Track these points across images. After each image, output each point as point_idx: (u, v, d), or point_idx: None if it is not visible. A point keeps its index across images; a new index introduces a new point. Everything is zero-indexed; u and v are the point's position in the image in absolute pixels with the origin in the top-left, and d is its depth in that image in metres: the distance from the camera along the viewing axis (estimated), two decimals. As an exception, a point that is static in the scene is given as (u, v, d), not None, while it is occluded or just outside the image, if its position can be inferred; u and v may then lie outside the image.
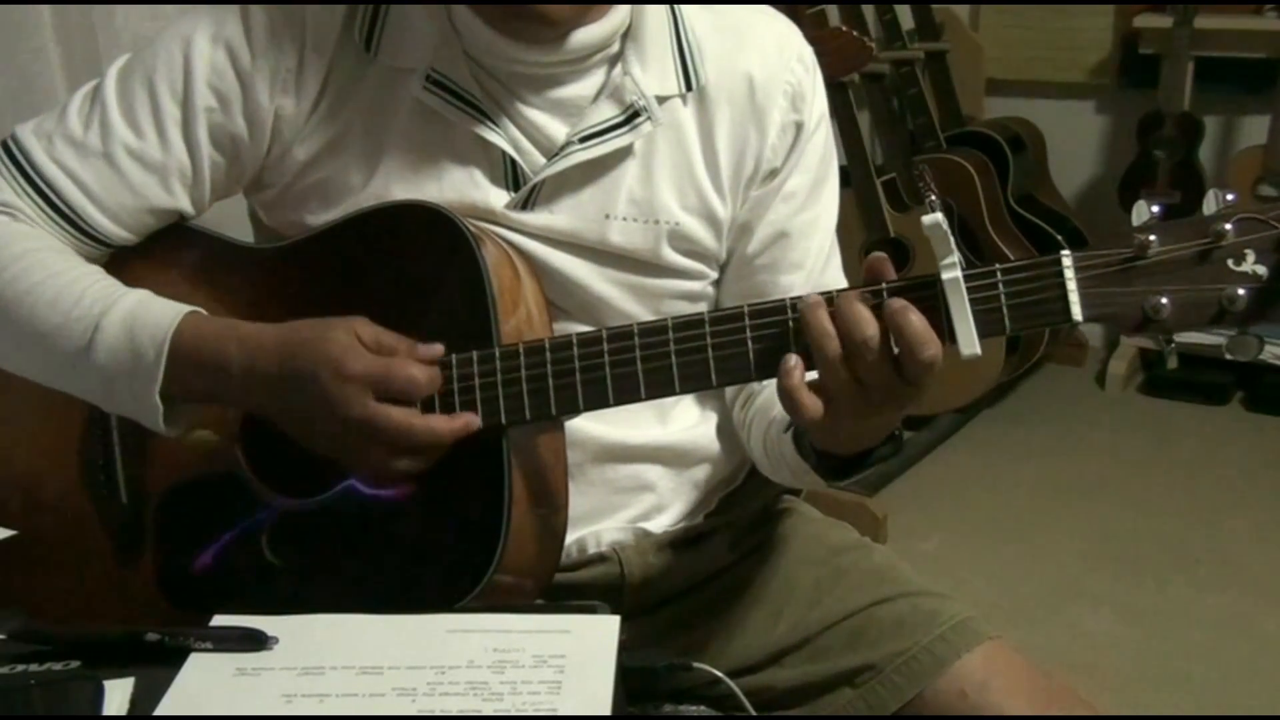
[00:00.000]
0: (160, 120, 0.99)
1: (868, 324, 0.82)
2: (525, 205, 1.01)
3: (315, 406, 0.89)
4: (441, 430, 0.90)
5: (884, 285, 0.84)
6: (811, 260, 1.09)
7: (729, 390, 1.13)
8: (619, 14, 0.99)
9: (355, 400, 0.88)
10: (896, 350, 0.82)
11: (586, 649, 0.79)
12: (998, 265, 0.83)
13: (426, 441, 0.89)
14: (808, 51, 1.07)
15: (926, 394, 0.85)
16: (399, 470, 0.91)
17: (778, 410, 1.01)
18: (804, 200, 1.08)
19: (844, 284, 1.10)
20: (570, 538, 1.03)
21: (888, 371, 0.82)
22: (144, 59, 1.01)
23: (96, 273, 0.98)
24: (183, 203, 1.02)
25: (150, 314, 0.93)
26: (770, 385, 0.91)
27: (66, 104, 1.02)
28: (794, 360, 0.85)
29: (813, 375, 0.86)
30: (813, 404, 0.85)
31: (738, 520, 1.16)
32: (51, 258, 0.98)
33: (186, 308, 0.94)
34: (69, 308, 0.94)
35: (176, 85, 0.99)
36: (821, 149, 1.08)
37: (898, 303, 0.82)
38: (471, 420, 0.91)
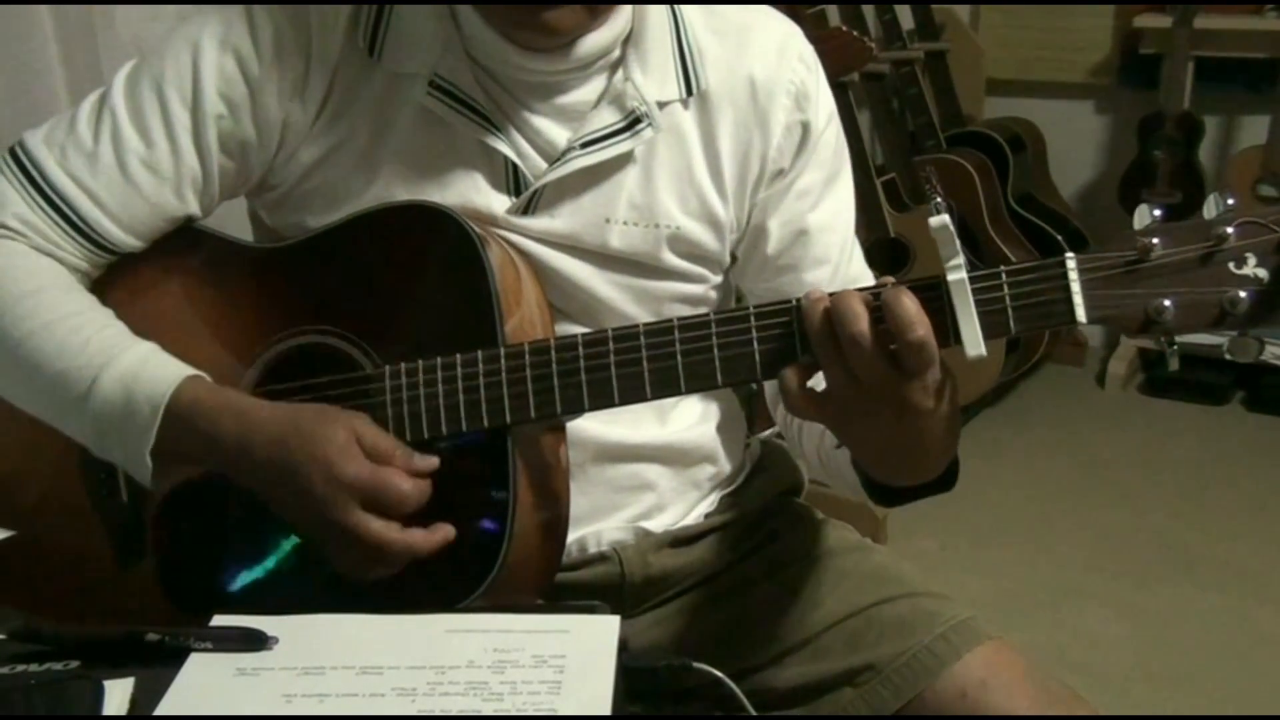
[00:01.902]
0: (171, 128, 0.99)
1: (859, 318, 0.82)
2: (526, 210, 1.01)
3: (301, 499, 0.89)
4: (418, 546, 0.89)
5: (888, 283, 0.84)
6: (835, 255, 1.09)
7: (768, 390, 1.13)
8: (621, 19, 0.99)
9: (341, 506, 0.88)
10: (893, 346, 0.82)
11: (586, 649, 0.79)
12: (1002, 267, 0.83)
13: (403, 557, 0.89)
14: (809, 50, 1.07)
15: (944, 408, 0.85)
16: (371, 576, 0.90)
17: None
18: (819, 196, 1.08)
19: (869, 276, 1.10)
20: (570, 537, 1.03)
21: (883, 367, 0.82)
22: (151, 66, 1.00)
23: (104, 318, 0.98)
24: (193, 208, 1.02)
25: (150, 373, 0.93)
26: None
27: (75, 112, 1.02)
28: (790, 375, 0.85)
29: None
30: (816, 409, 0.85)
31: (738, 520, 1.16)
32: (60, 298, 0.97)
33: (188, 370, 0.94)
34: (73, 355, 0.94)
35: (186, 92, 0.99)
36: (834, 144, 1.08)
37: (892, 286, 0.82)
38: (449, 532, 0.90)
